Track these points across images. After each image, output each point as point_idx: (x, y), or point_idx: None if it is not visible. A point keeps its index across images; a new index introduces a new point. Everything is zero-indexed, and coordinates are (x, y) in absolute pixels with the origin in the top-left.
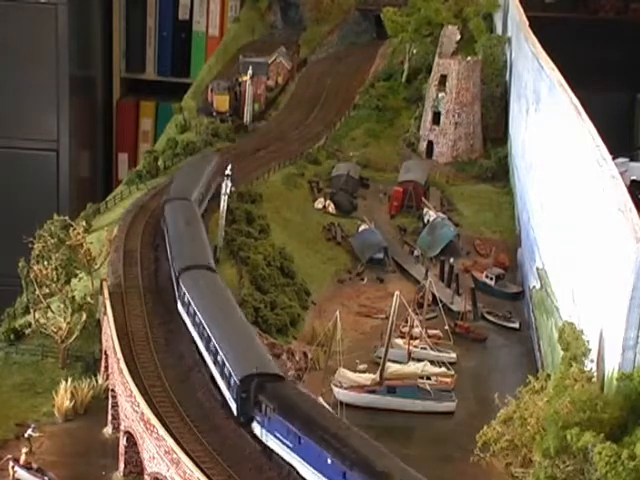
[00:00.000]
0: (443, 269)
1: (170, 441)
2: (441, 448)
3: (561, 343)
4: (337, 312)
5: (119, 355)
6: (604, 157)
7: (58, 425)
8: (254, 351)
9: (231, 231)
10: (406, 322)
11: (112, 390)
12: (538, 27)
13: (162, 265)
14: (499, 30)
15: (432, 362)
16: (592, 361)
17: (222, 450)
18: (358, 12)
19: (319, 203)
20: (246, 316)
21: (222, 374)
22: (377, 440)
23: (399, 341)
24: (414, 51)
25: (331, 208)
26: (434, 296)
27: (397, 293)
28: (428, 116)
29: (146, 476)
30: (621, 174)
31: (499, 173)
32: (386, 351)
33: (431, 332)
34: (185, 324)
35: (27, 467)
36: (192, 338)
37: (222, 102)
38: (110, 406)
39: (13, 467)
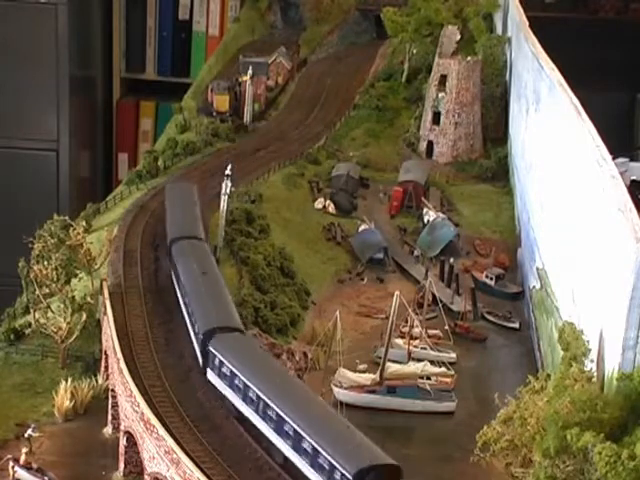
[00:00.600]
0: (443, 269)
1: (170, 441)
2: (441, 448)
3: (561, 343)
4: (337, 312)
5: (119, 355)
6: (604, 157)
7: (58, 425)
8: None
9: (231, 231)
10: (406, 322)
11: (112, 390)
12: (538, 27)
13: (162, 265)
14: (499, 30)
15: (432, 362)
16: (592, 361)
17: (222, 450)
18: (358, 12)
19: (319, 203)
20: (246, 316)
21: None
22: (377, 440)
23: (399, 341)
24: (414, 51)
25: (331, 208)
26: (434, 296)
27: (397, 293)
28: (428, 116)
29: (146, 476)
30: (621, 174)
31: (499, 173)
32: (386, 351)
33: (431, 332)
34: (219, 393)
35: (27, 467)
36: (239, 414)
37: (222, 102)
38: (110, 406)
39: (13, 467)
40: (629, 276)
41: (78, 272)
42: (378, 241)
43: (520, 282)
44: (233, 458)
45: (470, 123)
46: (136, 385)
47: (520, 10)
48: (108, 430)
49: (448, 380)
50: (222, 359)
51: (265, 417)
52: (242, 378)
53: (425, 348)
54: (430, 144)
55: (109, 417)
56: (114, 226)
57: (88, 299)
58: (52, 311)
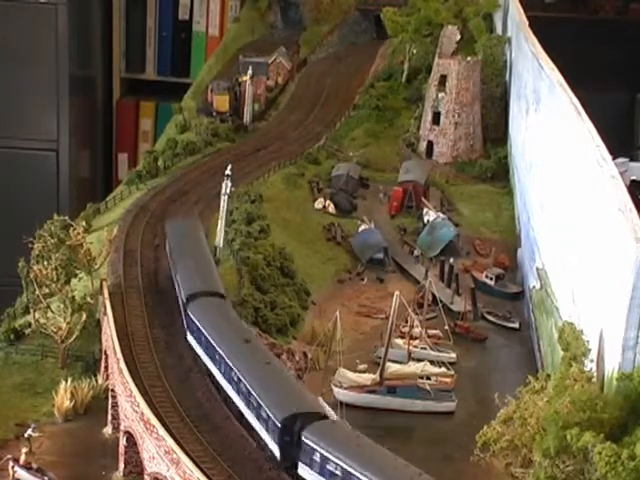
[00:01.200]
0: (443, 269)
1: (170, 441)
2: (441, 448)
3: (561, 343)
4: (337, 312)
5: (119, 355)
6: (604, 157)
7: (58, 425)
8: None
9: (231, 231)
10: (406, 322)
11: (112, 390)
12: (538, 27)
13: (162, 265)
14: (499, 30)
15: (432, 362)
16: (592, 361)
17: (222, 450)
18: (358, 12)
19: (319, 203)
20: (246, 317)
21: None
22: (377, 440)
23: (399, 341)
24: (414, 51)
25: (331, 208)
26: (434, 296)
27: (397, 293)
28: (428, 116)
29: (146, 476)
30: (621, 174)
31: (499, 173)
32: (386, 351)
33: (431, 332)
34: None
35: (27, 467)
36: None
37: (222, 102)
38: (110, 406)
39: (13, 467)
40: (629, 276)
41: (78, 272)
42: (378, 241)
43: (520, 282)
44: (233, 458)
45: (470, 123)
46: (136, 385)
47: (520, 10)
48: (108, 430)
49: (448, 380)
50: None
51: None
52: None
53: (425, 348)
54: (430, 144)
55: (109, 417)
56: (114, 226)
57: (88, 299)
58: (52, 311)
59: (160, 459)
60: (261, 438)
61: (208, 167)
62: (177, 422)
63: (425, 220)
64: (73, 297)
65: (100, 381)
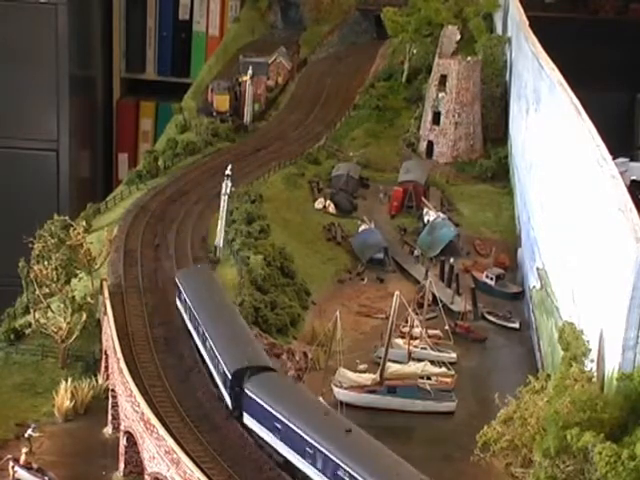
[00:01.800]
0: (443, 269)
1: (170, 441)
2: (441, 448)
3: (561, 343)
4: (337, 312)
5: (119, 355)
6: (604, 157)
7: (58, 425)
8: None
9: (231, 231)
10: (406, 322)
11: (112, 390)
12: (538, 27)
13: (162, 265)
14: (499, 30)
15: (432, 362)
16: (592, 361)
17: (222, 450)
18: (358, 12)
19: (319, 203)
20: (246, 317)
21: None
22: (377, 440)
23: (399, 341)
24: (414, 51)
25: (331, 208)
26: (434, 296)
27: (397, 293)
28: (428, 116)
29: (146, 476)
30: (621, 174)
31: (499, 173)
32: (386, 351)
33: (431, 332)
34: None
35: (27, 467)
36: None
37: (222, 102)
38: (110, 406)
39: (13, 467)
40: (629, 276)
41: (78, 272)
42: (378, 241)
43: (520, 282)
44: (233, 458)
45: (470, 123)
46: (136, 385)
47: (520, 10)
48: (108, 430)
49: (448, 380)
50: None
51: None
52: None
53: (425, 348)
54: (430, 144)
55: (109, 417)
56: (114, 226)
57: (88, 299)
58: (52, 311)
59: (160, 459)
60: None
61: (208, 167)
62: (177, 422)
63: (425, 220)
64: (73, 297)
65: (100, 381)
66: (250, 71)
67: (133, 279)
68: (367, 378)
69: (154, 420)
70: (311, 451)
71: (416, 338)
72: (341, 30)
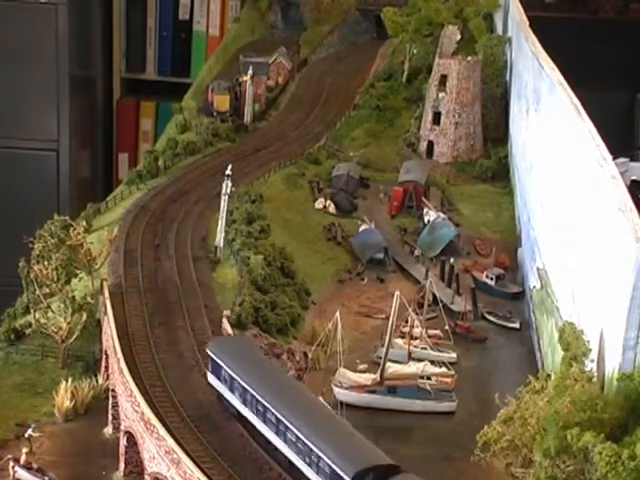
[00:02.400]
0: (443, 269)
1: (170, 441)
2: (441, 448)
3: (561, 343)
4: (337, 312)
5: (119, 355)
6: (604, 157)
7: (58, 425)
8: None
9: (231, 231)
10: (406, 322)
11: (112, 390)
12: (538, 27)
13: (162, 265)
14: (499, 30)
15: (432, 362)
16: (592, 361)
17: (222, 450)
18: (358, 12)
19: (319, 203)
20: (246, 316)
21: None
22: (377, 440)
23: (399, 341)
24: (414, 51)
25: (331, 208)
26: (434, 296)
27: (397, 293)
28: (428, 116)
29: (146, 476)
30: (621, 174)
31: (499, 173)
32: (386, 351)
33: (431, 332)
34: None
35: (27, 467)
36: None
37: (222, 102)
38: (110, 406)
39: (13, 467)
40: (629, 276)
41: (78, 272)
42: (378, 241)
43: (520, 282)
44: (233, 458)
45: (470, 123)
46: (136, 385)
47: (520, 10)
48: (108, 430)
49: (448, 380)
50: None
51: None
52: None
53: (425, 348)
54: (430, 144)
55: (109, 417)
56: (114, 226)
57: (88, 299)
58: (52, 311)
59: (160, 459)
60: None
61: (208, 167)
62: (177, 422)
63: (425, 220)
64: (73, 297)
65: (100, 381)
66: (250, 71)
67: (133, 279)
68: (367, 378)
69: (154, 420)
70: None
71: (416, 338)
72: (341, 30)
